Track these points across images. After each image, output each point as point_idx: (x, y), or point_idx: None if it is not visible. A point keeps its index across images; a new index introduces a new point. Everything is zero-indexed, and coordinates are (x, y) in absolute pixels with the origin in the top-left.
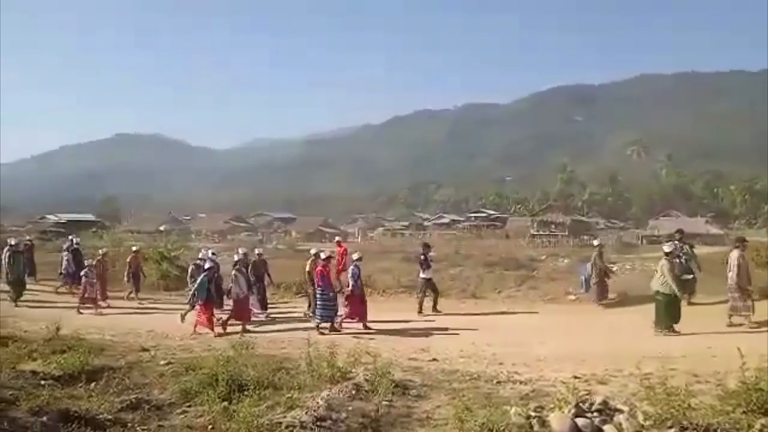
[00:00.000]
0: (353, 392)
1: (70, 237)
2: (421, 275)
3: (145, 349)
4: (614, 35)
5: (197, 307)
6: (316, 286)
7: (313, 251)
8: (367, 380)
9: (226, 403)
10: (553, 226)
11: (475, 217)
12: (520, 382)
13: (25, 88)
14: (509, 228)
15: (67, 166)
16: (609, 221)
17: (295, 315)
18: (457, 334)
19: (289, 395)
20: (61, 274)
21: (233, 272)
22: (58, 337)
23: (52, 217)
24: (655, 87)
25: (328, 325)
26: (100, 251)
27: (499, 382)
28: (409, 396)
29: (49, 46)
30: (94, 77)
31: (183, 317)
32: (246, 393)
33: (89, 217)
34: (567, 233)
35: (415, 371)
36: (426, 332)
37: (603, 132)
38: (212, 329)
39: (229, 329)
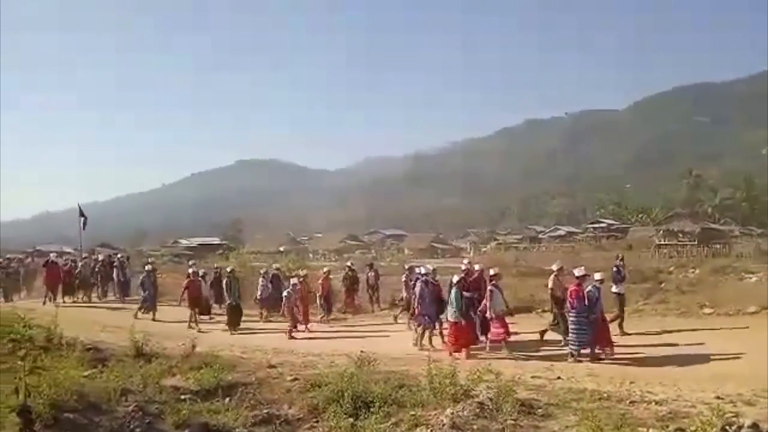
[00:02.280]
0: (477, 410)
1: (272, 264)
2: (613, 289)
3: (272, 366)
4: (738, 31)
5: (447, 325)
6: (569, 308)
7: (555, 266)
8: (490, 398)
9: (352, 420)
10: (680, 235)
11: (593, 228)
12: (656, 402)
13: (155, 124)
14: (631, 238)
15: (194, 193)
16: (745, 228)
17: None
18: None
19: (413, 412)
20: (256, 300)
21: (489, 288)
22: (195, 354)
23: (183, 241)
24: None
25: (587, 351)
26: (300, 272)
27: (632, 402)
28: (535, 415)
29: (174, 84)
30: (215, 110)
31: (419, 342)
32: (371, 410)
33: (216, 240)
34: (696, 242)
35: (539, 390)
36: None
37: (732, 132)
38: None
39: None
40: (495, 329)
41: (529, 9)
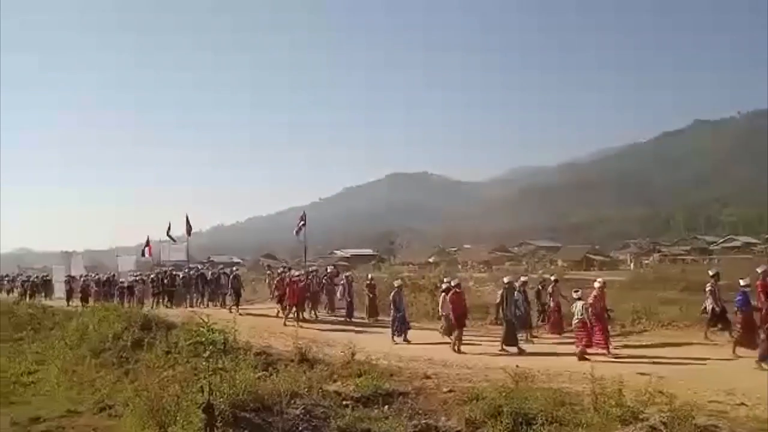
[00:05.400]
0: None
1: (520, 276)
2: None
3: (427, 377)
4: None
5: None
6: None
7: None
8: (663, 423)
9: None
10: None
11: None
12: None
13: (312, 142)
14: None
15: (348, 206)
16: None
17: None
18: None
19: None
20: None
21: None
22: (354, 361)
23: (339, 252)
24: None
25: None
26: (599, 280)
27: None
28: None
29: (329, 104)
30: (367, 127)
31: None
32: (533, 427)
33: (369, 251)
34: None
35: (720, 416)
36: (729, 371)
37: None
38: None
39: None
40: None
41: (689, 7)
